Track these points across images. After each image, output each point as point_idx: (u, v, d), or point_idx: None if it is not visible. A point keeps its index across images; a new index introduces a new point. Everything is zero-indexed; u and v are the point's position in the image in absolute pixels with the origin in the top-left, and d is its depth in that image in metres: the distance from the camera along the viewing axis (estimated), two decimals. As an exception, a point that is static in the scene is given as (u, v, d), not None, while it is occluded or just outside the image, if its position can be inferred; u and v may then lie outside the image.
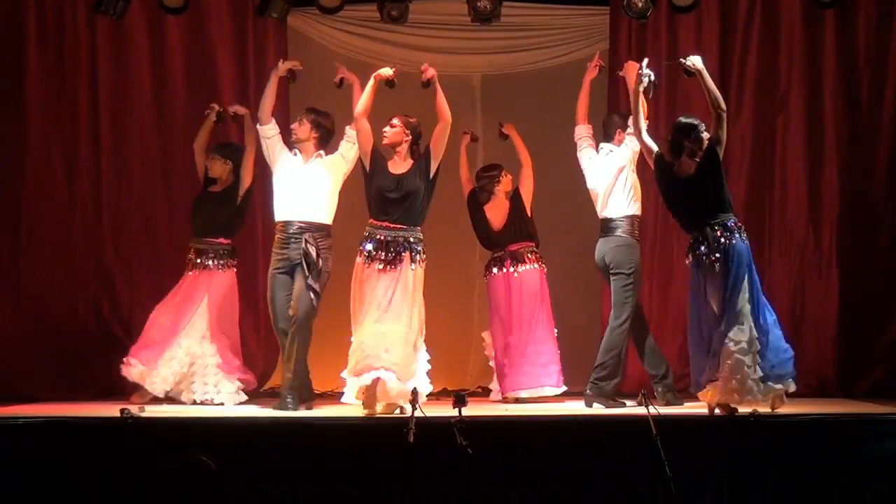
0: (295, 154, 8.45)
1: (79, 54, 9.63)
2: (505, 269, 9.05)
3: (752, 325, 7.53)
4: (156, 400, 8.70)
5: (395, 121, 8.13)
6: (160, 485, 4.98)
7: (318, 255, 8.24)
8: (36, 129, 9.56)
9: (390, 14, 9.36)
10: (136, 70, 9.66)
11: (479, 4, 9.26)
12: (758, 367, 7.49)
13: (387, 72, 8.13)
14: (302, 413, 8.08)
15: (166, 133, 9.64)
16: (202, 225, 8.91)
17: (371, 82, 8.10)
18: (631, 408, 8.17)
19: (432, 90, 8.10)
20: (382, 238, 7.95)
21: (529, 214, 9.12)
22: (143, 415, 7.54)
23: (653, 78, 7.99)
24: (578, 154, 8.87)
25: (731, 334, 7.50)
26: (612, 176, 8.63)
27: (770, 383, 7.53)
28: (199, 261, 8.87)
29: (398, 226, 7.99)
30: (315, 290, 8.21)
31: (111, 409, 7.68)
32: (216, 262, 8.88)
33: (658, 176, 7.92)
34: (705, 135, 7.71)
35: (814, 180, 9.63)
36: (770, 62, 9.61)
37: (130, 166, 9.62)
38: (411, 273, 7.95)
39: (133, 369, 8.75)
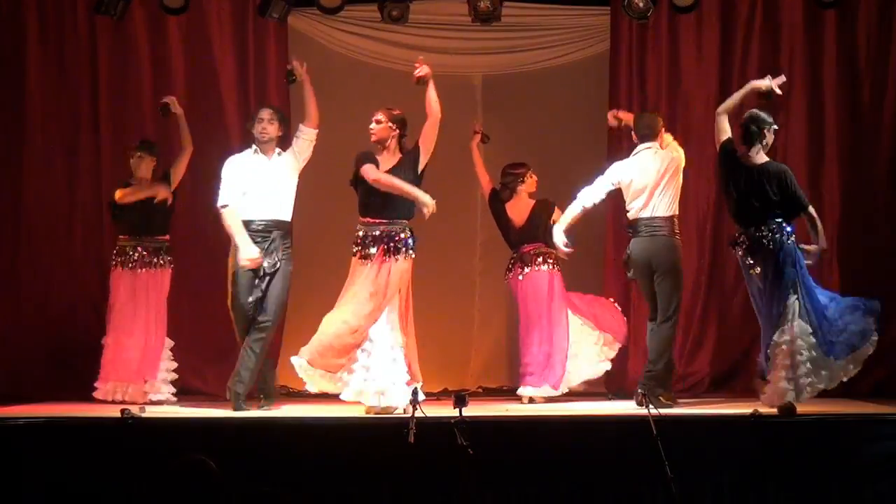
0: (255, 152, 8.29)
1: (79, 54, 9.63)
2: (514, 271, 9.05)
3: (802, 322, 7.72)
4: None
5: (380, 116, 7.99)
6: (160, 485, 4.98)
7: (280, 259, 8.16)
8: (36, 128, 9.56)
9: (391, 14, 9.37)
10: (136, 70, 9.66)
11: (479, 4, 9.28)
12: (808, 363, 7.72)
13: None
14: (302, 413, 8.07)
15: (167, 133, 9.63)
16: (142, 224, 8.87)
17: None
18: (630, 408, 8.18)
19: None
20: (371, 234, 7.87)
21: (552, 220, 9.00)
22: (143, 415, 7.53)
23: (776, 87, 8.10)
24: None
25: (775, 336, 7.72)
26: (659, 175, 8.45)
27: (836, 359, 7.78)
28: (144, 259, 8.85)
29: (385, 220, 7.87)
30: (284, 289, 8.19)
31: (111, 409, 7.68)
32: (164, 257, 8.91)
33: (722, 162, 7.98)
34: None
35: (815, 180, 9.63)
36: (770, 62, 9.60)
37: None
38: (395, 266, 7.82)
39: (100, 392, 8.77)
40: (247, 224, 8.21)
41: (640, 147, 8.54)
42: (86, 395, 8.96)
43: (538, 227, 9.02)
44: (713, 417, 7.79)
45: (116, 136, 9.56)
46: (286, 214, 8.31)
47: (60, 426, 7.32)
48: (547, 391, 8.89)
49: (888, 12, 9.60)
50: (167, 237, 9.00)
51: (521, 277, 9.00)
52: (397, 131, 7.99)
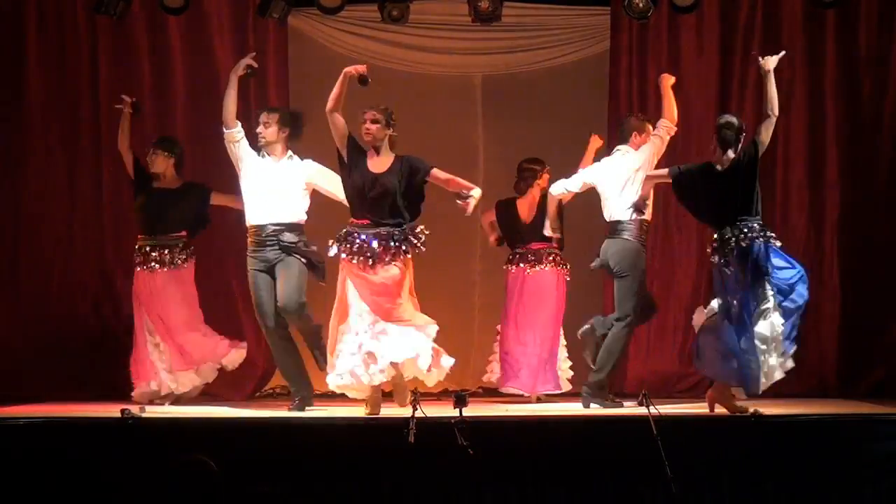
0: (263, 157, 8.23)
1: (79, 55, 9.63)
2: (521, 267, 9.04)
3: (772, 323, 7.66)
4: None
5: (377, 115, 7.78)
6: (161, 485, 4.98)
7: (293, 255, 8.15)
8: (36, 128, 9.56)
9: (391, 14, 9.37)
10: (137, 70, 9.65)
11: (479, 4, 9.28)
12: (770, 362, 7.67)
13: (356, 68, 7.81)
14: (302, 413, 8.07)
15: (166, 133, 9.63)
16: (161, 223, 8.82)
17: (341, 77, 7.78)
18: (630, 407, 8.18)
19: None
20: (360, 237, 7.71)
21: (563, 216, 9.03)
22: (144, 415, 7.53)
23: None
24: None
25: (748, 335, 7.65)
26: (624, 178, 8.54)
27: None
28: (164, 259, 8.81)
29: (378, 222, 7.73)
30: (297, 288, 8.14)
31: (111, 409, 7.67)
32: (183, 254, 8.88)
33: (678, 181, 7.96)
34: (743, 135, 7.83)
35: (814, 180, 9.63)
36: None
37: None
38: (393, 271, 7.71)
39: (137, 395, 8.79)
40: (257, 229, 8.19)
41: (615, 149, 8.68)
42: (86, 395, 8.96)
43: (544, 222, 9.03)
44: (713, 417, 7.78)
45: (116, 136, 9.55)
46: (298, 215, 8.26)
47: (60, 426, 7.31)
48: (552, 390, 8.97)
49: (888, 12, 9.60)
50: (184, 233, 8.93)
51: (528, 273, 9.01)
52: (391, 130, 7.84)
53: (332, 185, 8.18)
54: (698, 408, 8.26)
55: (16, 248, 9.51)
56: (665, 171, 8.08)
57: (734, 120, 7.89)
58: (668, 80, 8.61)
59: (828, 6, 9.52)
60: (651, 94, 9.59)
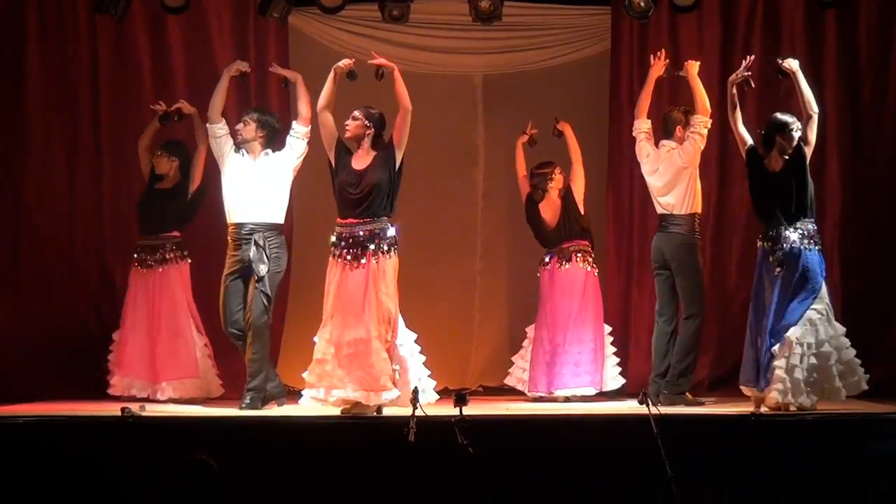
0: (242, 155, 8.35)
1: (79, 54, 9.62)
2: (551, 266, 9.07)
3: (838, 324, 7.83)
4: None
5: (357, 113, 7.89)
6: (161, 484, 4.98)
7: (268, 258, 8.21)
8: (36, 128, 9.55)
9: (391, 14, 9.37)
10: (137, 70, 9.65)
11: (480, 4, 9.27)
12: (803, 370, 7.70)
13: (345, 62, 7.90)
14: (302, 413, 8.06)
15: (167, 133, 9.62)
16: (156, 222, 8.95)
17: (331, 75, 7.87)
18: (630, 408, 8.18)
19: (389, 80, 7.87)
20: (348, 235, 7.74)
21: (582, 211, 9.14)
22: (144, 414, 7.53)
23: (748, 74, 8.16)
24: (637, 147, 8.82)
25: (788, 335, 7.71)
26: (673, 173, 8.60)
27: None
28: (157, 257, 8.91)
29: (364, 220, 7.74)
30: (267, 294, 8.20)
31: (111, 409, 7.68)
32: (176, 254, 8.96)
33: (749, 168, 8.05)
34: (797, 133, 7.88)
35: (815, 180, 9.56)
36: (772, 62, 9.58)
37: (131, 166, 9.60)
38: (378, 268, 7.69)
39: (114, 389, 8.84)
40: (236, 227, 8.25)
41: (660, 144, 8.77)
42: (87, 394, 8.96)
43: (572, 220, 9.10)
44: (713, 417, 7.78)
45: (116, 136, 9.55)
46: (275, 216, 8.34)
47: (60, 426, 7.32)
48: (588, 390, 8.97)
49: (888, 12, 9.59)
50: (177, 234, 9.01)
51: (560, 271, 9.04)
52: (372, 130, 7.86)
53: (296, 142, 8.35)
54: (698, 408, 8.28)
55: (16, 247, 9.50)
56: (748, 140, 8.09)
57: (782, 119, 7.97)
58: (694, 68, 8.65)
59: (828, 6, 9.51)
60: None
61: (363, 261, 7.67)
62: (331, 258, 7.80)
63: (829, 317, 7.86)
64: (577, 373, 8.95)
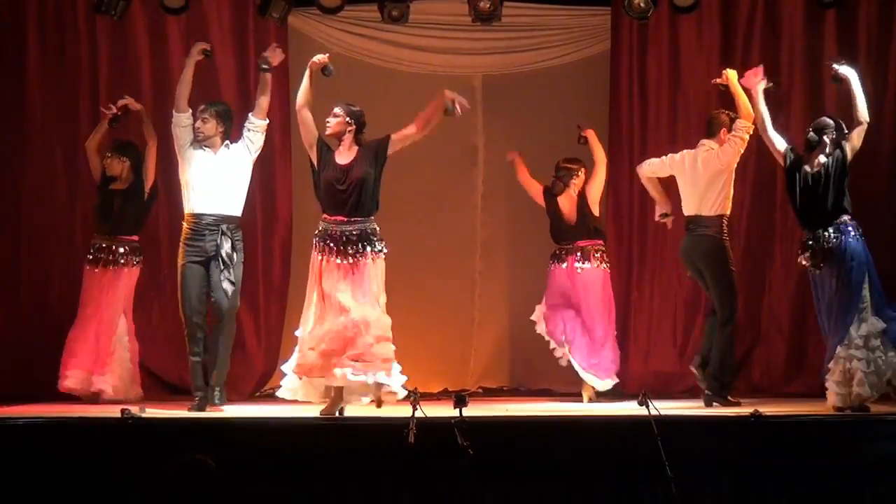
0: (204, 150, 8.27)
1: (79, 55, 9.62)
2: (569, 264, 9.07)
3: (871, 320, 7.78)
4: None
5: (338, 110, 7.84)
6: (160, 484, 4.98)
7: (233, 249, 8.19)
8: (36, 129, 9.55)
9: (391, 14, 9.37)
10: (137, 70, 9.65)
11: (479, 4, 9.28)
12: (878, 361, 7.72)
13: (320, 58, 7.86)
14: (302, 413, 8.06)
15: (166, 133, 9.62)
16: (113, 223, 9.01)
17: (307, 72, 7.83)
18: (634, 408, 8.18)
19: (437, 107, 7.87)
20: (338, 233, 7.70)
21: (597, 213, 9.17)
22: (144, 415, 7.53)
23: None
24: (651, 170, 8.89)
25: (845, 333, 7.74)
26: (707, 177, 8.62)
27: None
28: (111, 258, 8.98)
29: (353, 219, 7.72)
30: (233, 282, 8.17)
31: (111, 409, 7.68)
32: (131, 258, 9.03)
33: (787, 169, 8.07)
34: (839, 135, 7.99)
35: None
36: (771, 62, 9.59)
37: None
38: (372, 267, 7.69)
39: (70, 381, 8.85)
40: (196, 218, 8.21)
41: (699, 143, 8.76)
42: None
43: (587, 219, 9.11)
44: (713, 417, 7.78)
45: (116, 136, 9.54)
46: (236, 209, 8.30)
47: (60, 426, 7.31)
48: (608, 384, 9.03)
49: (888, 12, 9.60)
50: (135, 238, 9.10)
51: (579, 271, 9.03)
52: (353, 127, 7.82)
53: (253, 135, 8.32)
54: (698, 408, 8.28)
55: (16, 247, 9.50)
56: (783, 146, 8.13)
57: (823, 121, 8.06)
58: (734, 76, 8.64)
59: (828, 6, 9.52)
60: (651, 95, 9.60)
61: (353, 259, 7.65)
62: (315, 252, 7.74)
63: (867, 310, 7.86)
64: (601, 368, 8.99)
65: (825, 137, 8.02)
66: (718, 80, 8.74)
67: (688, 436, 6.95)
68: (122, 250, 9.02)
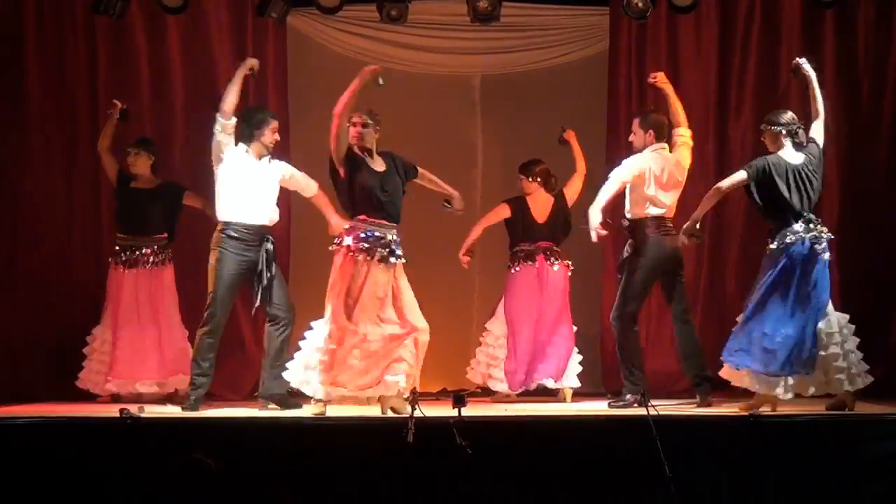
0: (248, 153, 8.26)
1: (78, 54, 9.62)
2: (539, 264, 9.06)
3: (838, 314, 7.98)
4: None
5: (367, 119, 7.84)
6: (160, 484, 4.98)
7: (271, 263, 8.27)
8: (36, 129, 9.54)
9: (390, 14, 9.37)
10: (135, 70, 9.65)
11: (478, 4, 9.28)
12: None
13: (372, 68, 7.89)
14: (303, 413, 8.07)
15: (166, 133, 9.64)
16: (141, 223, 8.98)
17: (357, 79, 7.80)
18: (631, 408, 8.19)
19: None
20: (381, 235, 7.78)
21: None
22: (143, 415, 7.54)
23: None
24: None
25: (821, 326, 7.85)
26: (679, 177, 8.70)
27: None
28: (144, 258, 8.95)
29: (391, 224, 7.85)
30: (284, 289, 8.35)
31: (111, 409, 7.68)
32: (163, 256, 9.02)
33: (764, 178, 7.99)
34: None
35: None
36: (770, 62, 9.61)
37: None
38: (401, 269, 7.89)
39: (113, 385, 8.85)
40: (245, 228, 8.22)
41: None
42: (87, 394, 8.96)
43: (561, 222, 9.11)
44: (713, 417, 7.79)
45: (116, 136, 9.54)
46: (273, 219, 8.39)
47: (60, 426, 7.32)
48: (573, 382, 9.05)
49: (888, 12, 9.60)
50: (164, 235, 9.03)
51: (554, 269, 9.03)
52: (378, 134, 7.93)
53: (302, 182, 8.45)
54: (698, 408, 8.28)
55: (15, 247, 9.50)
56: (741, 175, 8.00)
57: (790, 115, 8.16)
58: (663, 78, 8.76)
59: (828, 6, 9.52)
60: (650, 94, 9.60)
61: (389, 263, 7.78)
62: (351, 255, 7.76)
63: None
64: (557, 365, 8.99)
65: (801, 130, 8.06)
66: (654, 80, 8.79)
67: (688, 436, 6.96)
68: (155, 249, 8.98)
